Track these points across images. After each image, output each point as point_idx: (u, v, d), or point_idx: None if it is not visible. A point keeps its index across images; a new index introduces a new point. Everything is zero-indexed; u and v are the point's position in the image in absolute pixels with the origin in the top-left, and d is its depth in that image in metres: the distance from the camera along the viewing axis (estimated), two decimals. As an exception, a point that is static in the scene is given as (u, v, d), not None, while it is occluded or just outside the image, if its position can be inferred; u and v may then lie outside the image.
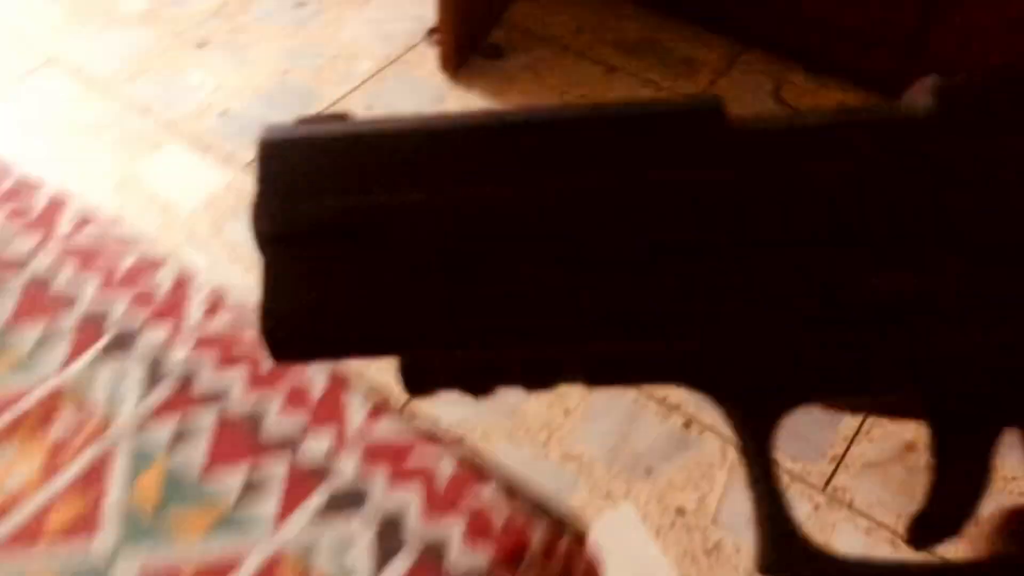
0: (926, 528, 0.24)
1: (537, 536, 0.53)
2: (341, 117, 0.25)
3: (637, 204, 0.23)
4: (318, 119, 0.25)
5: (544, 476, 1.14)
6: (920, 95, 0.24)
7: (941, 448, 0.24)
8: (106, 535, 0.52)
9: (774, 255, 0.23)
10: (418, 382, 0.25)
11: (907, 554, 0.24)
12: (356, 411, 0.58)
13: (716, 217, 0.23)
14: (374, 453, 0.55)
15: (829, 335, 0.23)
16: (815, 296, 0.22)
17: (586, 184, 0.23)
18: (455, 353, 0.24)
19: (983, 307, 0.22)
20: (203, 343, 0.61)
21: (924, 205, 0.23)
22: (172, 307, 0.63)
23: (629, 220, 0.23)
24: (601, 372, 0.24)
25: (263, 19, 1.85)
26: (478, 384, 0.25)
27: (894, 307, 0.22)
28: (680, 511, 1.11)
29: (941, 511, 0.24)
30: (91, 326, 0.62)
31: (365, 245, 0.23)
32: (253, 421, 0.57)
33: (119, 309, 0.63)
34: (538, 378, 0.25)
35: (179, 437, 0.56)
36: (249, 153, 1.55)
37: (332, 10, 1.87)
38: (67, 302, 0.64)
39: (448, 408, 1.15)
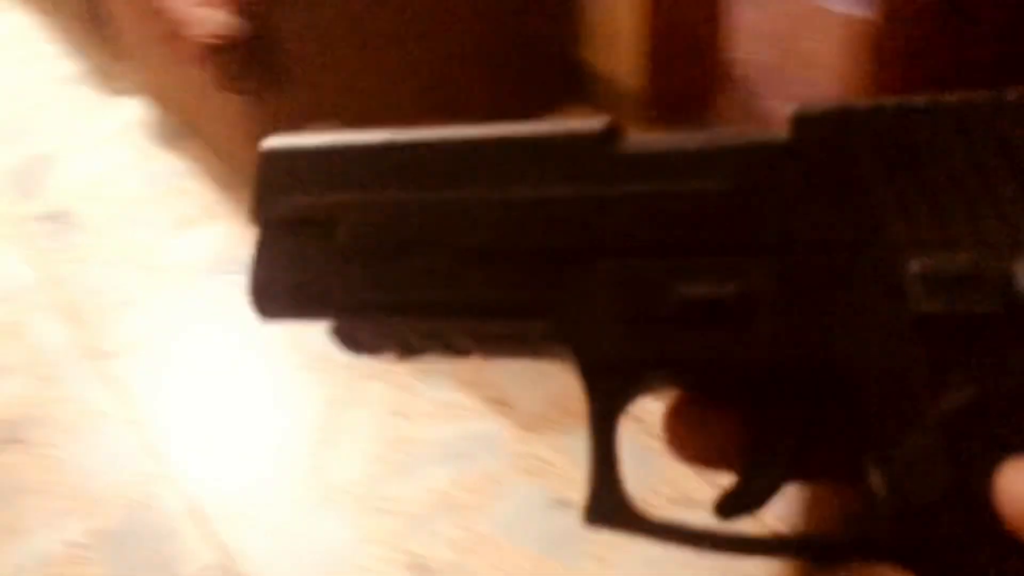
0: (733, 501, 0.28)
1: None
2: (334, 126, 0.33)
3: (524, 214, 0.28)
4: (314, 128, 0.33)
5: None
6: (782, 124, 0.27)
7: (754, 430, 0.28)
8: None
9: (618, 261, 0.27)
10: (351, 344, 0.32)
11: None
12: None
13: (585, 227, 0.28)
14: None
15: (650, 330, 0.27)
16: (636, 297, 0.27)
17: (489, 195, 0.29)
18: (377, 321, 0.31)
19: (791, 311, 0.26)
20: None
21: (761, 220, 0.26)
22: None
23: (516, 226, 0.29)
24: (490, 343, 0.30)
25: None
26: (398, 347, 0.32)
27: (707, 309, 0.26)
28: None
29: (748, 487, 0.28)
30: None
31: (322, 233, 0.31)
32: None
33: None
34: (443, 346, 0.31)
35: None
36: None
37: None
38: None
39: None
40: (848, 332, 0.25)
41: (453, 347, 0.31)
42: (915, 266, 0.24)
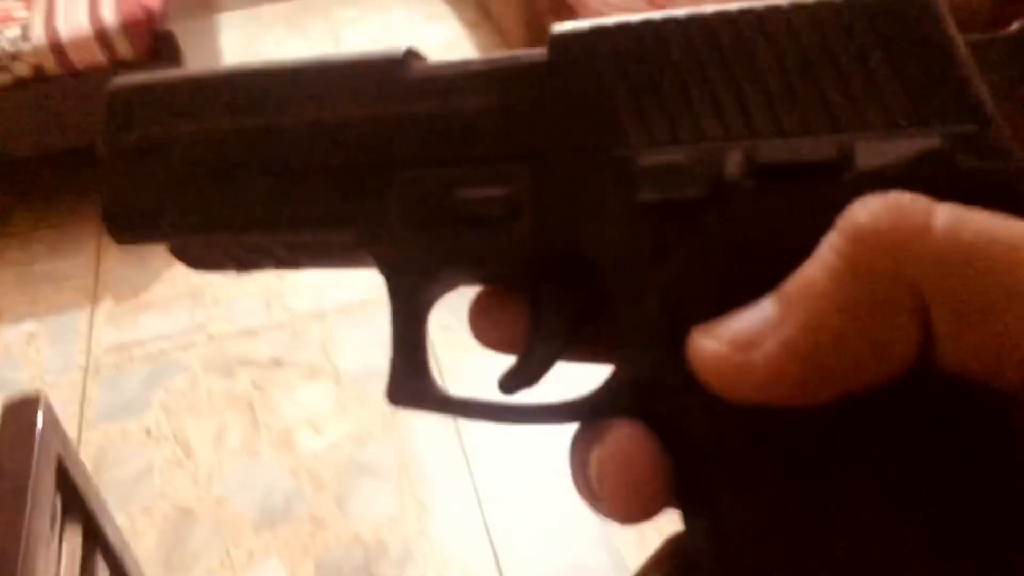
0: (514, 377, 0.30)
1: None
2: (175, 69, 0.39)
3: (330, 135, 0.31)
4: (157, 71, 0.36)
5: None
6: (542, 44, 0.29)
7: (532, 317, 0.30)
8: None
9: (408, 174, 0.30)
10: (188, 260, 0.35)
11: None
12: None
13: (380, 145, 0.31)
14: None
15: (436, 232, 0.30)
16: (422, 204, 0.30)
17: (301, 119, 0.32)
18: (206, 238, 0.33)
19: (546, 209, 0.29)
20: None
21: (522, 132, 0.29)
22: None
23: (322, 146, 0.31)
24: (308, 253, 0.33)
25: None
26: (230, 261, 0.35)
27: (481, 210, 0.29)
28: None
29: (526, 364, 0.30)
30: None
31: (159, 160, 0.33)
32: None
33: None
34: (269, 258, 0.34)
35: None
36: None
37: None
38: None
39: None
40: (590, 224, 0.28)
41: (277, 259, 0.34)
42: (640, 161, 0.27)
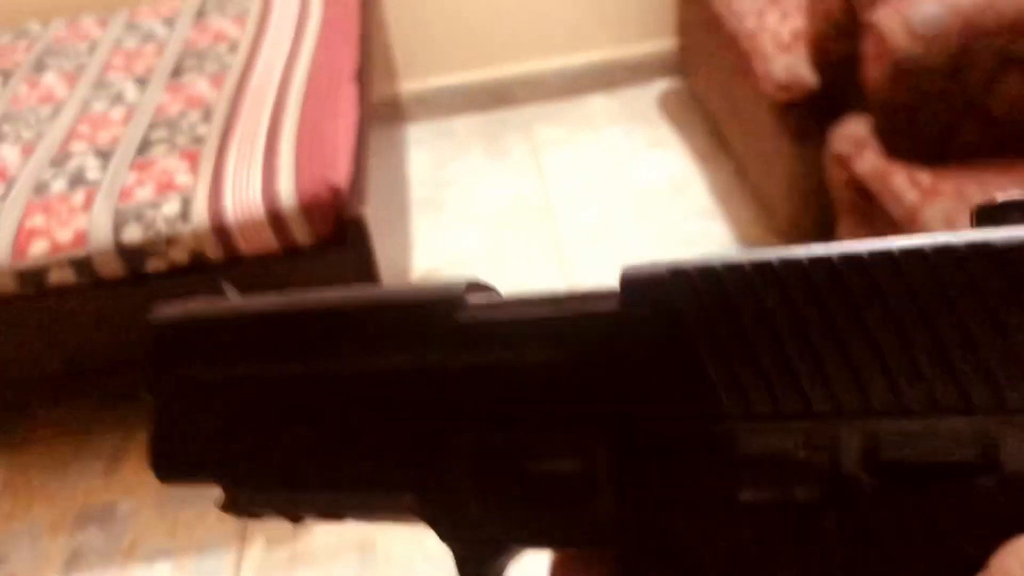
0: None
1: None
2: (222, 293, 0.34)
3: (379, 388, 0.29)
4: (202, 299, 0.34)
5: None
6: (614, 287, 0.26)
7: None
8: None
9: (468, 436, 0.27)
10: (234, 509, 0.32)
11: None
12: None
13: (434, 401, 0.28)
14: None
15: (503, 507, 0.27)
16: (489, 475, 0.27)
17: (349, 368, 0.29)
18: (255, 489, 0.31)
19: (630, 486, 0.25)
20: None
21: (596, 393, 0.26)
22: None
23: (370, 400, 0.29)
24: (361, 511, 0.30)
25: None
26: (279, 512, 0.32)
27: (552, 486, 0.26)
28: None
29: None
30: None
31: (205, 405, 0.31)
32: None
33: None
34: (318, 512, 0.31)
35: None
36: None
37: None
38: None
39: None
40: (682, 514, 0.24)
41: (320, 512, 0.32)
42: (742, 448, 0.24)
